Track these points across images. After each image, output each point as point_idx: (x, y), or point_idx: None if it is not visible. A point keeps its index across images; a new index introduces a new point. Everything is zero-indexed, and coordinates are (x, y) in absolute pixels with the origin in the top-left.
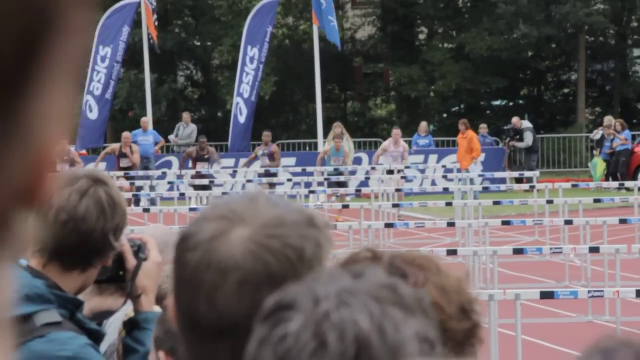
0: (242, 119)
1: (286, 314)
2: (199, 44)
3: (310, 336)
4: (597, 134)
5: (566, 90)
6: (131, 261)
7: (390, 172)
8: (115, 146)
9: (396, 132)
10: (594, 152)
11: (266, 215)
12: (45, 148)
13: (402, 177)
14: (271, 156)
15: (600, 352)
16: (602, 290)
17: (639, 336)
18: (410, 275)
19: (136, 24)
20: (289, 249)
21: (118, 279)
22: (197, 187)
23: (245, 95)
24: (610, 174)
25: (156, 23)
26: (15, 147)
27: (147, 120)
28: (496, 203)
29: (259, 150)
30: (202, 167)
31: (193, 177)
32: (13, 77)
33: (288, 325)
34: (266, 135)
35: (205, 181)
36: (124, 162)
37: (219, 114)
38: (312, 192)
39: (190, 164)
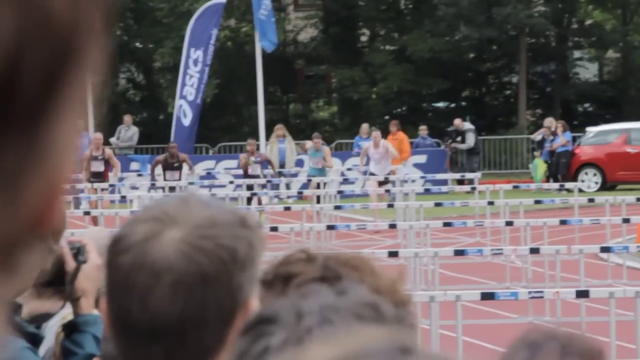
0: (186, 121)
1: (268, 328)
2: (140, 46)
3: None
4: (538, 136)
5: (507, 92)
6: (70, 264)
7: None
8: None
9: (375, 134)
10: (535, 153)
11: (198, 216)
12: (59, 175)
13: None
14: (268, 163)
15: (527, 346)
16: (542, 291)
17: (566, 329)
18: (344, 276)
19: None
20: (222, 249)
21: (57, 282)
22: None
23: (190, 97)
24: (551, 175)
25: None
26: (33, 172)
27: (81, 123)
28: (437, 205)
29: (251, 158)
30: (172, 176)
31: (164, 187)
32: (36, 104)
33: (270, 340)
34: (251, 143)
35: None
36: (95, 166)
37: (161, 116)
38: (255, 194)
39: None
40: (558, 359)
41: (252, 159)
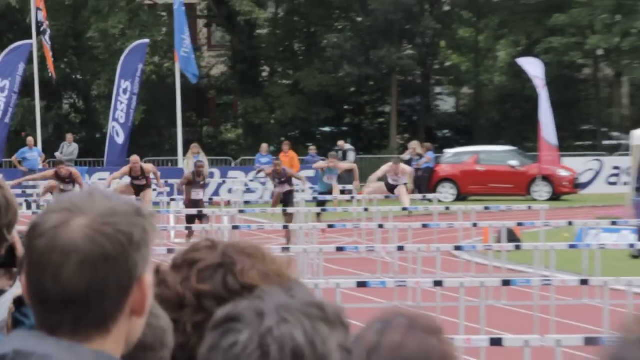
0: (119, 140)
1: (234, 325)
2: (80, 77)
3: (255, 347)
4: (406, 156)
5: (381, 120)
6: (20, 249)
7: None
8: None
9: (397, 166)
10: None
11: (101, 206)
12: None
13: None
14: (289, 181)
15: (381, 321)
16: (405, 281)
17: (414, 310)
18: (239, 262)
19: (29, 60)
20: (120, 234)
21: (9, 264)
22: (189, 217)
23: (121, 120)
24: (416, 188)
25: (53, 59)
26: None
27: (32, 139)
28: (323, 210)
29: (275, 180)
30: (196, 195)
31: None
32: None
33: (237, 336)
34: (277, 163)
35: (194, 211)
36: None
37: (97, 135)
38: (173, 199)
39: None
40: (404, 331)
41: (276, 180)
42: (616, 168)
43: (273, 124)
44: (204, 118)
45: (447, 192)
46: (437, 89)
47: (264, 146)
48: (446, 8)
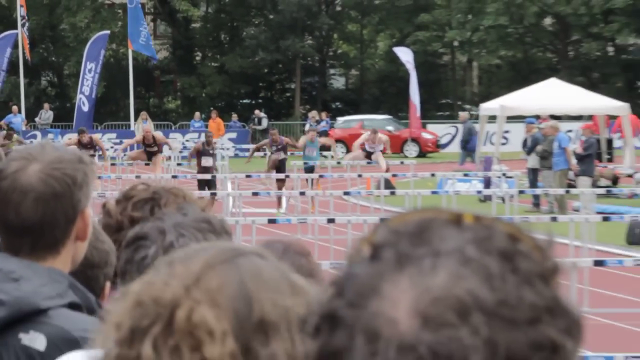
0: (85, 108)
1: (143, 242)
2: (55, 60)
3: (181, 257)
4: (308, 123)
5: (288, 94)
6: None
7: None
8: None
9: (374, 136)
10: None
11: (51, 156)
12: None
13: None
14: (284, 149)
15: (263, 246)
16: (306, 219)
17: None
18: (164, 197)
19: (14, 46)
20: (67, 177)
21: None
22: (200, 182)
23: (87, 93)
24: None
25: (29, 46)
26: None
27: (16, 108)
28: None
29: (272, 148)
30: (206, 162)
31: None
32: None
33: (147, 251)
34: (273, 133)
35: (208, 176)
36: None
37: (67, 105)
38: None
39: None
40: (281, 253)
41: (273, 148)
42: (588, 134)
43: (204, 97)
44: (150, 92)
45: (339, 150)
46: (331, 71)
47: (197, 114)
48: (338, 8)
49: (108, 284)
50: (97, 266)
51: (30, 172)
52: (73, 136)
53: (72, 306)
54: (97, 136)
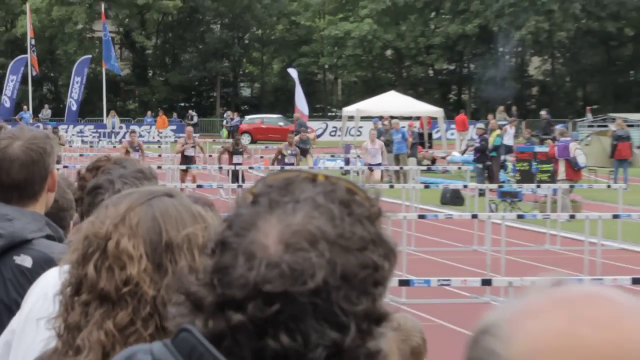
0: (73, 108)
1: (99, 191)
2: (53, 75)
3: (114, 201)
4: (229, 120)
5: (211, 100)
6: None
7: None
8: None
9: (372, 132)
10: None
11: (28, 135)
12: None
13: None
14: (303, 152)
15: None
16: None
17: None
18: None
19: (25, 65)
20: (40, 148)
21: None
22: (234, 172)
23: (75, 97)
24: (232, 137)
25: (38, 63)
26: None
27: (26, 107)
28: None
29: (286, 150)
30: (237, 159)
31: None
32: None
33: (103, 196)
34: (290, 137)
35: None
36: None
37: (61, 105)
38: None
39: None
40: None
41: (288, 151)
42: (335, 127)
43: (154, 101)
44: (117, 97)
45: (245, 139)
46: (241, 84)
47: (149, 113)
48: (246, 41)
49: (72, 222)
50: (64, 209)
51: (14, 146)
52: (123, 141)
53: (49, 237)
54: (141, 143)
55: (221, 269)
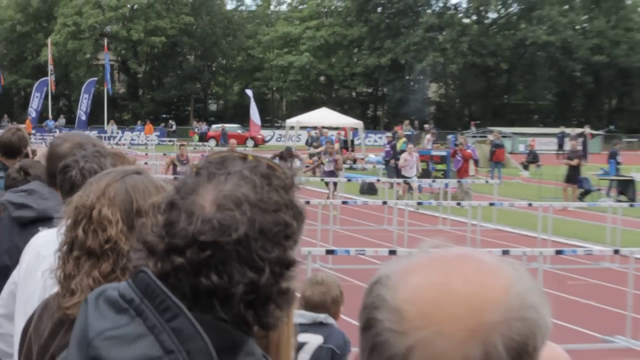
0: (83, 118)
1: (68, 169)
2: (67, 92)
3: (80, 176)
4: (196, 128)
5: (187, 112)
6: None
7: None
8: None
9: (410, 146)
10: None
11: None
12: None
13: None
14: (336, 163)
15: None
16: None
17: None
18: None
19: (47, 85)
20: (15, 136)
21: None
22: None
23: (84, 110)
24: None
25: (54, 83)
26: None
27: (49, 117)
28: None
29: (325, 158)
30: (181, 169)
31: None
32: None
33: (71, 172)
34: (330, 147)
35: None
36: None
37: (72, 115)
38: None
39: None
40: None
41: (327, 159)
42: (280, 135)
43: (143, 113)
44: (115, 110)
45: (212, 143)
46: (210, 101)
47: (139, 122)
48: (214, 69)
49: None
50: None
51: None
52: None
53: None
54: (189, 155)
55: (169, 224)
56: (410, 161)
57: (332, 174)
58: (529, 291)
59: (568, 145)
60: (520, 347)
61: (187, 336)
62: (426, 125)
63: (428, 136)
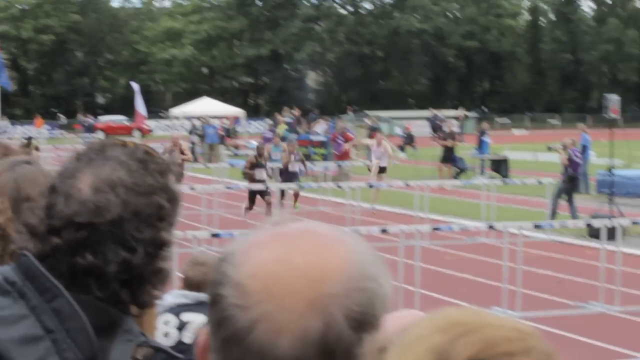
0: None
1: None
2: None
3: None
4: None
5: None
6: None
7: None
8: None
9: (379, 136)
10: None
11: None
12: None
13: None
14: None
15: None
16: None
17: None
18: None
19: None
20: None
21: None
22: (250, 195)
23: None
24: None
25: None
26: None
27: None
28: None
29: (292, 157)
30: (260, 175)
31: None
32: None
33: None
34: (291, 145)
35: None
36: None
37: None
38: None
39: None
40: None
41: (292, 157)
42: (166, 125)
43: (34, 108)
44: (7, 106)
45: (100, 134)
46: (98, 95)
47: (30, 116)
48: (101, 64)
49: None
50: None
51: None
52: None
53: None
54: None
55: (49, 206)
56: (376, 151)
57: (293, 175)
58: (368, 262)
59: (445, 127)
60: (360, 317)
61: (66, 316)
62: (313, 114)
63: (321, 123)
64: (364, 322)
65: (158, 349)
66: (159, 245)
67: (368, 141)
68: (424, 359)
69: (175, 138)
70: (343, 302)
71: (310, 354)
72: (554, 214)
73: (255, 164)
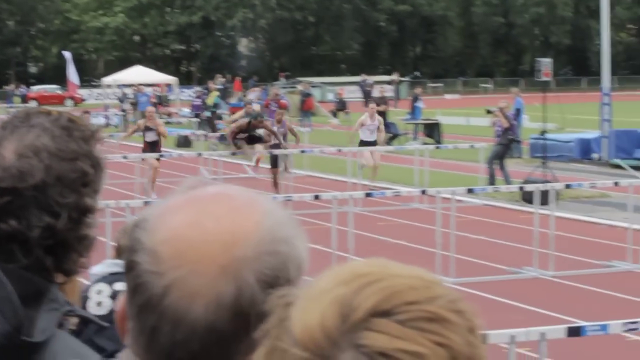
0: None
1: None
2: None
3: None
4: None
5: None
6: None
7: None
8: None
9: (372, 106)
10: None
11: None
12: None
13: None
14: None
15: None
16: None
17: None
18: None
19: None
20: None
21: None
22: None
23: None
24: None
25: None
26: None
27: None
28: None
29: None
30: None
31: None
32: None
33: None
34: (279, 113)
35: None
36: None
37: None
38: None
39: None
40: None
41: (276, 128)
42: (98, 94)
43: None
44: None
45: (33, 104)
46: (30, 64)
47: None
48: (33, 33)
49: None
50: None
51: None
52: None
53: None
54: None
55: None
56: (371, 126)
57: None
58: (281, 225)
59: (375, 92)
60: (272, 280)
61: None
62: (252, 81)
63: (254, 91)
64: (277, 285)
65: (84, 318)
66: (83, 211)
67: (361, 119)
68: (328, 311)
69: (149, 112)
70: (255, 265)
71: (224, 318)
72: (492, 179)
73: (246, 130)
